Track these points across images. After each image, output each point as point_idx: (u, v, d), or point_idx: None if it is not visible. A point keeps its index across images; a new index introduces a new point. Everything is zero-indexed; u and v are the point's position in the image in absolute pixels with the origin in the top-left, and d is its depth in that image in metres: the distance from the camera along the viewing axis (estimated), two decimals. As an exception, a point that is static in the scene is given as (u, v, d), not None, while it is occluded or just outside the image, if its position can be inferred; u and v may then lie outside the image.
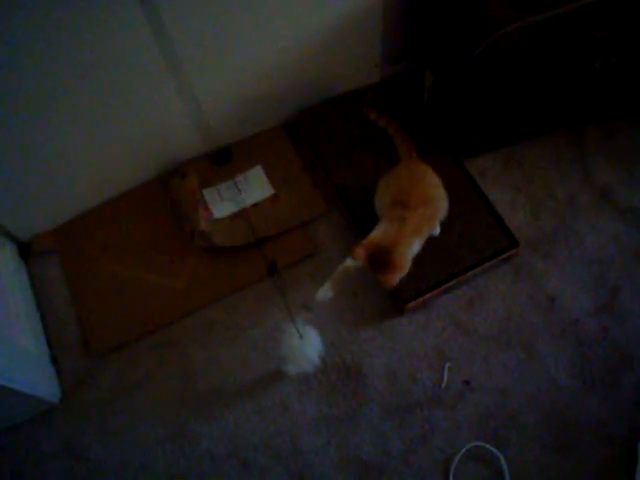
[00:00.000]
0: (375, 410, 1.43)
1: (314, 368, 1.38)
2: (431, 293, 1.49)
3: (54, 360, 1.54)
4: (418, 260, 1.37)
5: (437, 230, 1.48)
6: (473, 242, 1.53)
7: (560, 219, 1.62)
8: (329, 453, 1.40)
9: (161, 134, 1.60)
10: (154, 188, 1.71)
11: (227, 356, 1.51)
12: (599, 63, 1.50)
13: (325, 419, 1.43)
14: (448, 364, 1.46)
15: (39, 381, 1.44)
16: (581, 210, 1.63)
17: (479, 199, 1.59)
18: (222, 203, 1.66)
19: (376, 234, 1.30)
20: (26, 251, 1.67)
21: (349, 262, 1.31)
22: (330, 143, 1.71)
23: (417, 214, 1.31)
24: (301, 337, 1.32)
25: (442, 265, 1.50)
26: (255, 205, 1.66)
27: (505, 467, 1.35)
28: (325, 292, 1.32)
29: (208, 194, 1.67)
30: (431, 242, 1.39)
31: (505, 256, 1.53)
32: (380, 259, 1.25)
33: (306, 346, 1.34)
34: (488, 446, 1.37)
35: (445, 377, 1.45)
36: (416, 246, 1.32)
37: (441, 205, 1.41)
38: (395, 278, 1.26)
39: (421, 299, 1.49)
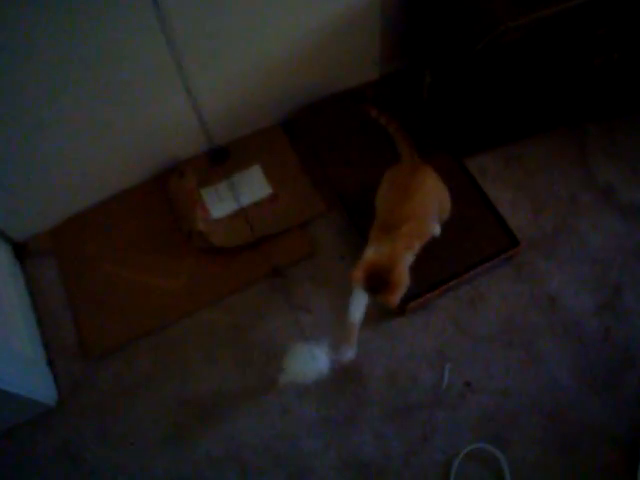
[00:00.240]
0: (375, 412, 1.42)
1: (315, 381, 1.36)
2: (431, 293, 1.48)
3: (51, 362, 1.52)
4: (418, 260, 1.36)
5: (438, 230, 1.47)
6: (473, 241, 1.52)
7: (561, 218, 1.61)
8: (329, 455, 1.39)
9: (159, 133, 1.59)
10: (151, 188, 1.70)
11: (226, 358, 1.50)
12: (599, 60, 1.48)
13: (325, 421, 1.42)
14: (448, 365, 1.45)
15: (35, 384, 1.43)
16: (582, 209, 1.62)
17: (479, 198, 1.58)
18: (220, 203, 1.64)
19: (369, 255, 1.28)
20: (21, 252, 1.66)
21: (353, 316, 1.30)
22: (329, 142, 1.69)
23: (405, 231, 1.29)
24: (313, 358, 1.29)
25: (442, 265, 1.49)
26: (253, 205, 1.64)
27: (506, 468, 1.34)
28: (350, 353, 1.31)
29: (206, 194, 1.66)
30: (432, 242, 1.38)
31: (506, 255, 1.52)
32: (378, 279, 1.24)
33: (314, 365, 1.31)
34: (489, 447, 1.36)
35: (445, 378, 1.44)
36: (409, 259, 1.31)
37: (434, 214, 1.39)
38: (397, 296, 1.24)
39: (421, 299, 1.47)
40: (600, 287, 1.52)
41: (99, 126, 1.46)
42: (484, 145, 1.70)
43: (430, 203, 1.38)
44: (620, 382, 1.41)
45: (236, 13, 1.37)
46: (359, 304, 1.30)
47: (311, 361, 1.30)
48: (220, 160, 1.71)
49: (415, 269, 1.40)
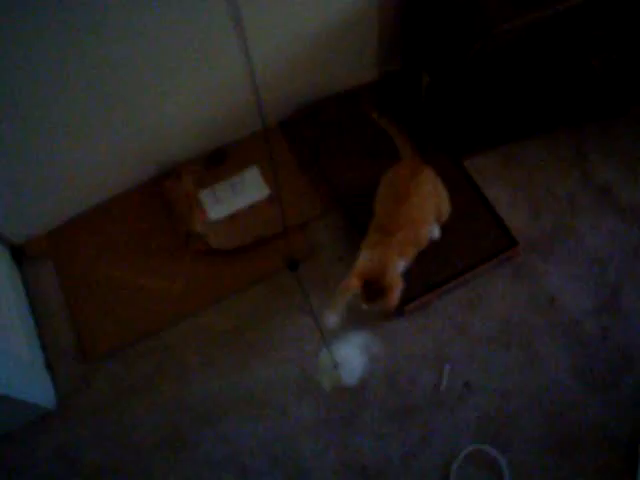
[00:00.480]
0: (374, 413, 1.42)
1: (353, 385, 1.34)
2: (430, 295, 1.48)
3: (49, 366, 1.52)
4: (417, 262, 1.36)
5: (437, 232, 1.47)
6: (472, 242, 1.52)
7: (560, 218, 1.61)
8: (328, 458, 1.39)
9: (156, 135, 1.58)
10: (149, 190, 1.69)
11: (224, 360, 1.50)
12: (597, 60, 1.48)
13: (324, 423, 1.42)
14: (448, 366, 1.45)
15: (34, 387, 1.43)
16: (580, 209, 1.62)
17: (478, 198, 1.58)
18: (218, 205, 1.64)
19: (362, 263, 1.29)
20: (19, 255, 1.65)
21: (346, 284, 1.29)
22: (327, 143, 1.69)
23: (398, 238, 1.29)
24: (335, 367, 1.27)
25: (441, 266, 1.49)
26: (251, 206, 1.64)
27: (506, 469, 1.34)
28: (333, 320, 1.29)
29: (204, 196, 1.65)
30: (430, 243, 1.38)
31: (504, 256, 1.52)
32: (374, 285, 1.25)
33: (342, 372, 1.29)
34: (489, 448, 1.36)
35: (445, 379, 1.44)
36: (402, 266, 1.31)
37: (428, 219, 1.39)
38: (395, 298, 1.25)
39: (420, 301, 1.47)
40: (598, 287, 1.52)
41: (97, 129, 1.46)
42: (482, 146, 1.69)
43: (428, 207, 1.37)
44: (619, 382, 1.41)
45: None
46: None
47: (336, 369, 1.28)
48: (217, 162, 1.70)
49: (414, 271, 1.40)
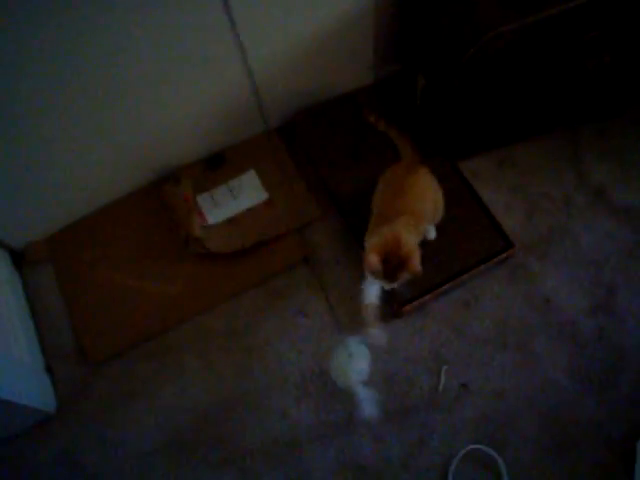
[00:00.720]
0: (373, 415, 1.42)
1: (360, 382, 1.36)
2: (427, 296, 1.49)
3: (49, 369, 1.53)
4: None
5: (433, 234, 1.48)
6: (468, 244, 1.53)
7: (555, 219, 1.62)
8: (327, 459, 1.39)
9: (155, 140, 1.59)
10: (148, 194, 1.70)
11: (223, 363, 1.51)
12: (591, 63, 1.49)
13: (323, 425, 1.42)
14: (445, 367, 1.46)
15: (34, 391, 1.44)
16: (576, 210, 1.63)
17: (473, 201, 1.59)
18: (216, 208, 1.65)
19: (375, 240, 1.26)
20: (20, 260, 1.66)
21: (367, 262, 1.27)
22: (324, 146, 1.70)
23: (402, 220, 1.29)
24: (350, 356, 1.28)
25: (438, 268, 1.50)
26: (249, 210, 1.65)
27: (503, 469, 1.35)
28: (380, 336, 1.30)
29: (202, 200, 1.67)
30: (426, 245, 1.39)
31: (500, 258, 1.53)
32: (392, 260, 1.22)
33: (354, 363, 1.30)
34: (486, 449, 1.37)
35: (442, 380, 1.45)
36: (412, 238, 1.29)
37: (428, 213, 1.40)
38: (417, 264, 1.21)
39: (417, 302, 1.48)
40: (594, 288, 1.53)
41: (97, 134, 1.47)
42: (477, 148, 1.71)
43: (425, 201, 1.39)
44: (615, 382, 1.42)
45: (231, 20, 1.38)
46: (373, 285, 1.31)
47: (350, 362, 1.29)
48: (216, 166, 1.72)
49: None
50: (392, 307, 1.51)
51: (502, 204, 1.64)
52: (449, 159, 1.65)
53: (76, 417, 1.48)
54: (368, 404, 1.35)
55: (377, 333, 1.31)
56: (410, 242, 1.25)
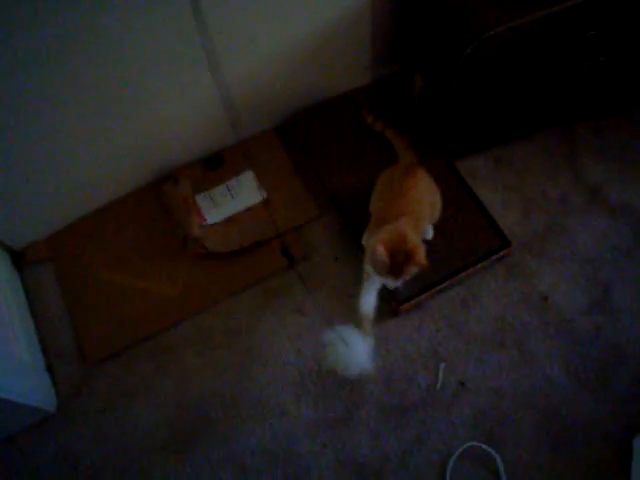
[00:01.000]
0: (371, 412, 1.43)
1: (368, 371, 1.34)
2: (425, 295, 1.50)
3: (49, 369, 1.54)
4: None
5: (430, 233, 1.49)
6: (465, 243, 1.54)
7: (551, 218, 1.62)
8: (326, 456, 1.40)
9: (153, 140, 1.60)
10: (147, 195, 1.71)
11: (223, 361, 1.52)
12: (588, 63, 1.50)
13: (322, 422, 1.43)
14: (443, 365, 1.47)
15: (34, 390, 1.44)
16: (572, 208, 1.63)
17: (470, 200, 1.60)
18: (215, 208, 1.66)
19: (382, 234, 1.27)
20: (19, 260, 1.67)
21: (366, 307, 1.30)
22: (322, 146, 1.71)
23: (403, 220, 1.30)
24: (347, 345, 1.28)
25: (435, 267, 1.50)
26: (247, 210, 1.66)
27: (501, 467, 1.35)
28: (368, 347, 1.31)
29: (201, 200, 1.67)
30: (424, 244, 1.39)
31: (497, 256, 1.54)
32: (397, 255, 1.22)
33: (353, 352, 1.30)
34: (484, 446, 1.38)
35: (440, 378, 1.45)
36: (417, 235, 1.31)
37: (427, 213, 1.41)
38: (422, 257, 1.23)
39: (415, 301, 1.49)
40: (591, 286, 1.53)
41: (96, 134, 1.48)
42: (474, 147, 1.71)
43: (424, 202, 1.39)
44: (612, 379, 1.43)
45: (228, 21, 1.38)
46: (370, 294, 1.31)
47: (348, 352, 1.28)
48: (214, 166, 1.72)
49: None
50: (390, 305, 1.51)
51: (499, 203, 1.64)
52: (446, 158, 1.66)
53: (76, 416, 1.49)
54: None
55: (368, 343, 1.31)
56: (415, 238, 1.26)
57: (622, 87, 1.66)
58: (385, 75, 1.80)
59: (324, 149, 1.70)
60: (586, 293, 1.53)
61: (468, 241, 1.54)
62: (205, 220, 1.64)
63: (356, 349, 1.29)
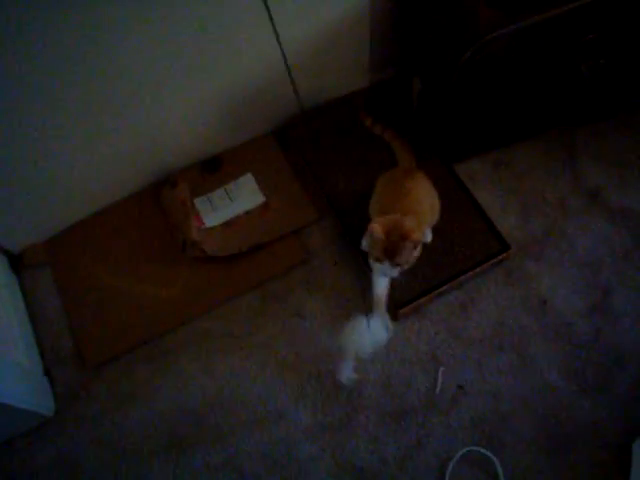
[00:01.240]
0: (370, 416, 1.43)
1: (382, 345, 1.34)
2: (424, 298, 1.50)
3: (47, 373, 1.53)
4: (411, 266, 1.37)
5: (429, 237, 1.49)
6: (464, 247, 1.54)
7: (551, 221, 1.62)
8: (324, 461, 1.40)
9: (152, 144, 1.60)
10: (145, 198, 1.71)
11: (221, 365, 1.51)
12: (586, 66, 1.50)
13: (320, 427, 1.43)
14: (442, 369, 1.47)
15: (32, 395, 1.44)
16: (571, 212, 1.63)
17: (469, 203, 1.60)
18: (213, 212, 1.66)
19: (378, 219, 1.27)
20: (18, 263, 1.67)
21: (379, 291, 1.30)
22: (320, 150, 1.71)
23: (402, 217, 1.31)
24: (368, 326, 1.29)
25: (434, 270, 1.51)
26: (246, 213, 1.66)
27: (500, 471, 1.35)
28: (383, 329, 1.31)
29: (199, 203, 1.67)
30: (423, 248, 1.39)
31: (496, 260, 1.53)
32: (394, 233, 1.23)
33: (368, 331, 1.30)
34: (483, 450, 1.38)
35: (439, 382, 1.45)
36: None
37: (426, 216, 1.41)
38: (419, 233, 1.24)
39: (413, 305, 1.49)
40: (590, 289, 1.53)
41: (94, 137, 1.48)
42: (473, 151, 1.71)
43: (424, 204, 1.39)
44: (611, 383, 1.43)
45: (228, 22, 1.38)
46: (381, 279, 1.32)
47: (367, 332, 1.29)
48: (213, 169, 1.72)
49: (407, 275, 1.42)
50: (388, 309, 1.51)
51: (498, 206, 1.64)
52: (445, 162, 1.66)
53: (74, 420, 1.48)
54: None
55: (384, 324, 1.32)
56: (412, 224, 1.26)
57: (621, 90, 1.66)
58: (384, 78, 1.80)
59: (323, 152, 1.70)
60: (585, 297, 1.53)
61: (467, 245, 1.54)
62: (203, 224, 1.64)
63: (372, 327, 1.29)
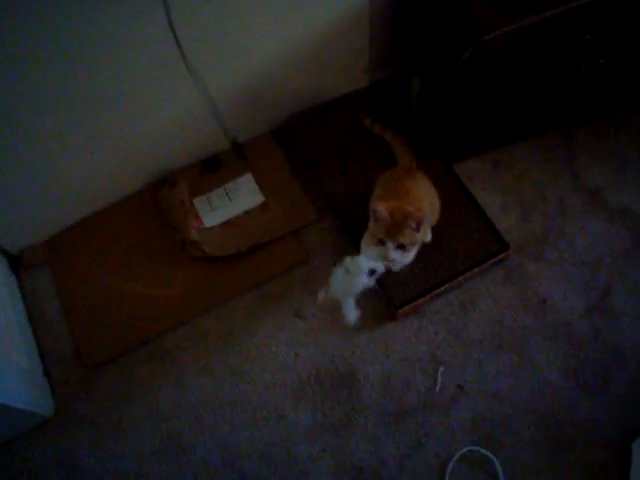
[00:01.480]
0: (370, 417, 1.43)
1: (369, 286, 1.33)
2: (423, 298, 1.50)
3: (47, 373, 1.53)
4: (410, 265, 1.37)
5: (429, 236, 1.49)
6: (464, 246, 1.54)
7: (550, 221, 1.62)
8: (324, 461, 1.40)
9: (151, 144, 1.60)
10: (144, 198, 1.71)
11: (220, 365, 1.51)
12: (585, 65, 1.50)
13: (320, 427, 1.43)
14: (441, 369, 1.47)
15: (32, 395, 1.44)
16: (571, 211, 1.63)
17: (469, 203, 1.60)
18: (213, 212, 1.66)
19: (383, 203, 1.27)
20: (17, 264, 1.66)
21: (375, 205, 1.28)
22: (320, 149, 1.71)
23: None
24: (347, 271, 1.31)
25: (433, 270, 1.51)
26: (246, 213, 1.66)
27: (500, 470, 1.35)
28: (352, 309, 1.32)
29: (198, 203, 1.67)
30: (422, 247, 1.40)
31: (496, 260, 1.53)
32: (396, 214, 1.24)
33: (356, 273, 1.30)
34: (482, 450, 1.38)
35: (439, 382, 1.45)
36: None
37: (426, 216, 1.40)
38: (421, 212, 1.24)
39: (413, 304, 1.49)
40: (589, 289, 1.53)
41: (94, 138, 1.48)
42: (472, 150, 1.71)
43: (424, 203, 1.39)
44: (611, 383, 1.43)
45: (227, 23, 1.38)
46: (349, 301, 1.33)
47: (357, 272, 1.30)
48: (212, 169, 1.72)
49: (407, 274, 1.42)
50: (388, 309, 1.51)
51: (497, 206, 1.64)
52: (444, 161, 1.66)
53: (74, 421, 1.48)
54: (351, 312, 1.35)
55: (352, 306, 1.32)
56: (414, 209, 1.26)
57: (621, 90, 1.66)
58: (383, 78, 1.80)
59: (322, 152, 1.70)
60: (585, 296, 1.53)
61: (466, 244, 1.54)
62: (202, 224, 1.64)
63: (359, 269, 1.29)
